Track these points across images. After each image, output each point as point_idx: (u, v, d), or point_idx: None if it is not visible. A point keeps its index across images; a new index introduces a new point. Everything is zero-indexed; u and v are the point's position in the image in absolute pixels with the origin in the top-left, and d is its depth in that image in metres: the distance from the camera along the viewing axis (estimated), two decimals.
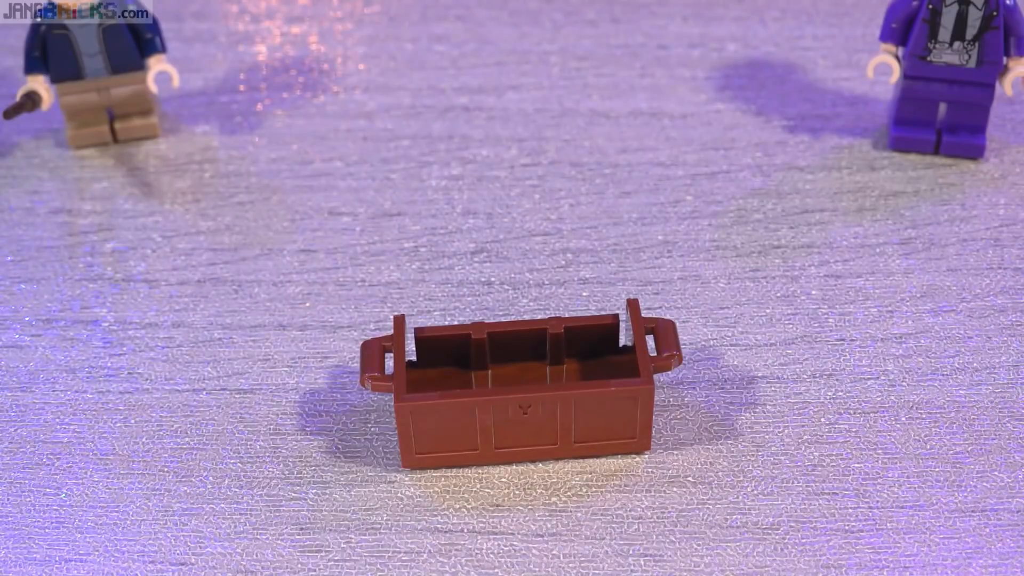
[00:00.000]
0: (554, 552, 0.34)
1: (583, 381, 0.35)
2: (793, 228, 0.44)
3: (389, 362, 0.37)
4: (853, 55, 0.52)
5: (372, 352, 0.36)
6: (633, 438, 0.36)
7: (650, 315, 0.40)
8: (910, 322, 0.41)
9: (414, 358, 0.38)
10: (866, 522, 0.35)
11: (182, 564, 0.34)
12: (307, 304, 0.42)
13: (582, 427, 0.36)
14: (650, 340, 0.38)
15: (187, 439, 0.38)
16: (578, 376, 0.38)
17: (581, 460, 0.37)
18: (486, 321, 0.39)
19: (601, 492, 0.36)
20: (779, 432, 0.37)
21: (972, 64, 0.44)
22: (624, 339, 0.38)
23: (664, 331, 0.37)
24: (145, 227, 0.45)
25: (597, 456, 0.37)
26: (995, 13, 0.43)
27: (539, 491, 0.36)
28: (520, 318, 0.41)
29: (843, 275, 0.42)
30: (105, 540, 0.35)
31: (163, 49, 0.47)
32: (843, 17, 0.55)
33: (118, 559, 0.34)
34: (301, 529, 0.35)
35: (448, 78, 0.52)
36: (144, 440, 0.38)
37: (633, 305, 0.37)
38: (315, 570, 0.34)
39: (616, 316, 0.37)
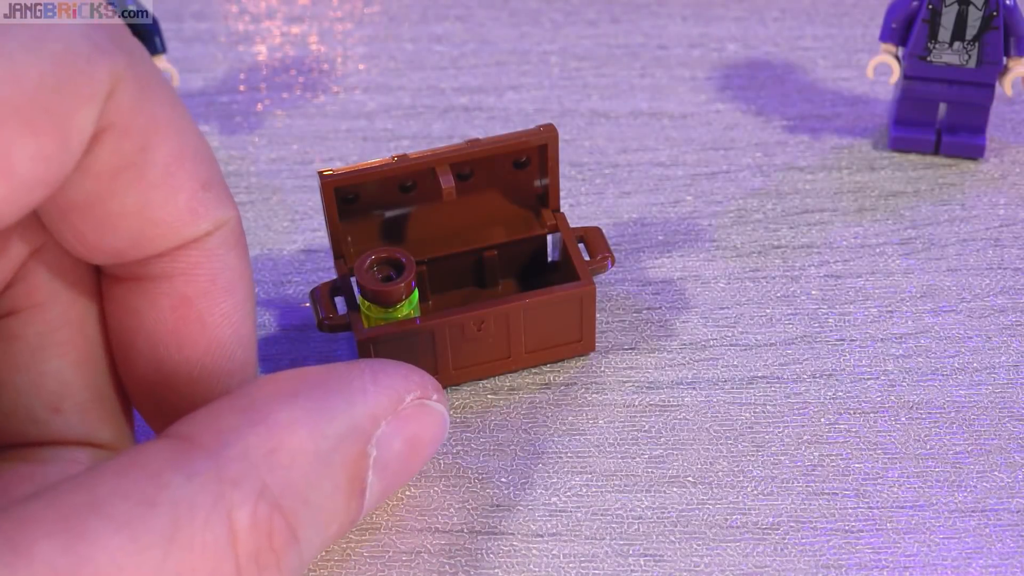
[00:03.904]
0: (554, 552, 0.34)
1: (528, 292, 0.37)
2: (793, 228, 0.44)
3: (340, 307, 0.38)
4: (853, 55, 0.52)
5: (322, 297, 0.38)
6: (579, 340, 0.39)
7: (649, 311, 0.41)
8: (910, 322, 0.41)
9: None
10: (866, 522, 0.35)
11: None
12: (307, 304, 0.42)
13: (532, 336, 0.38)
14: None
15: None
16: (518, 292, 0.39)
17: (580, 458, 0.37)
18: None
19: (601, 492, 0.36)
20: (779, 432, 0.37)
21: (972, 64, 0.44)
22: (552, 256, 0.41)
23: (594, 237, 0.39)
24: None
25: (547, 363, 0.39)
26: (995, 13, 0.43)
27: (539, 491, 0.36)
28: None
29: (843, 275, 0.42)
30: None
31: (163, 49, 0.47)
32: (843, 17, 0.55)
33: None
34: None
35: (448, 78, 0.52)
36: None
37: (560, 217, 0.40)
38: (315, 570, 0.34)
39: (543, 233, 0.40)
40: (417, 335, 0.36)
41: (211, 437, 0.26)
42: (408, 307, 0.36)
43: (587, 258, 0.39)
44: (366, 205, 0.39)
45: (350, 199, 0.38)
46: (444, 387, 0.38)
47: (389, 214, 0.39)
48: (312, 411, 0.28)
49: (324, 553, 0.34)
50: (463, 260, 0.40)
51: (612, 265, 0.39)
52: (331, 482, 0.28)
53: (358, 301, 0.37)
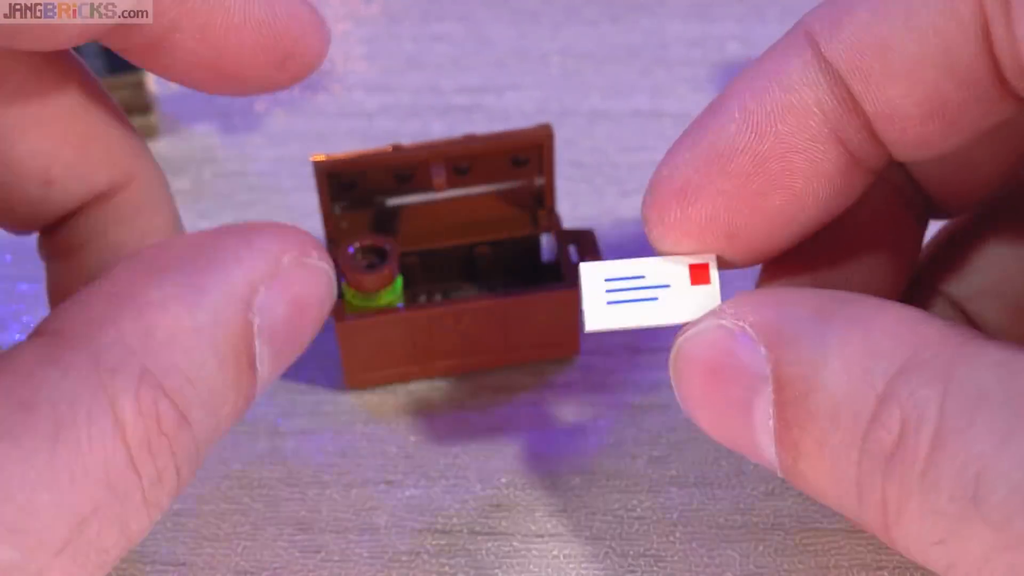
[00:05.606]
0: (554, 552, 0.34)
1: (511, 291, 0.38)
2: None
3: None
4: None
5: None
6: (562, 343, 0.39)
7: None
8: None
9: None
10: None
11: (181, 564, 0.34)
12: None
13: (513, 335, 0.38)
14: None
15: None
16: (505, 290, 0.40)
17: (580, 458, 0.37)
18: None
19: (601, 492, 0.36)
20: None
21: None
22: (547, 256, 0.41)
23: (585, 241, 0.39)
24: None
25: (530, 362, 0.39)
26: None
27: (539, 491, 0.36)
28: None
29: None
30: None
31: None
32: None
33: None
34: (300, 529, 0.35)
35: (448, 78, 0.52)
36: None
37: (554, 219, 0.40)
38: (314, 570, 0.34)
39: (537, 232, 0.40)
40: (397, 324, 0.37)
41: (82, 327, 0.25)
42: (390, 295, 0.37)
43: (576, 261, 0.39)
44: (363, 194, 0.39)
45: (347, 187, 0.39)
46: (425, 379, 0.39)
47: (385, 204, 0.40)
48: (184, 286, 0.26)
49: (323, 553, 0.34)
50: (455, 254, 0.40)
51: None
52: (215, 357, 0.27)
53: (342, 287, 0.37)
